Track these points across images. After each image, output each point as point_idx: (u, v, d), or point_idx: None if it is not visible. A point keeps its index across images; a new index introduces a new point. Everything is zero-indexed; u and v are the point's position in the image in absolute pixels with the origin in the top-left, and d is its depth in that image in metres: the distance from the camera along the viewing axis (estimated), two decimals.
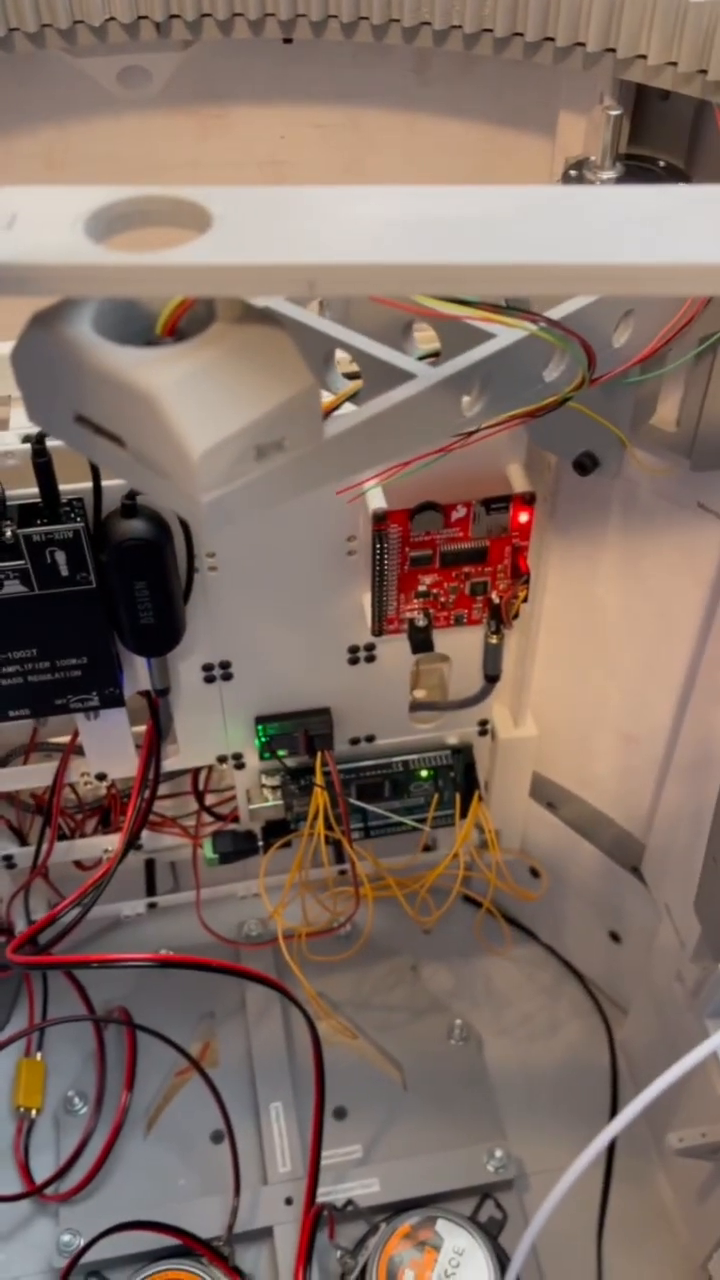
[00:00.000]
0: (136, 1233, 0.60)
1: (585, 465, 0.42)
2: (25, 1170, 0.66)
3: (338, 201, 0.24)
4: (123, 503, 0.46)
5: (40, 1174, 0.65)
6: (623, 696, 0.62)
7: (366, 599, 0.53)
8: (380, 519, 0.47)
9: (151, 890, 0.71)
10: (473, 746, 0.62)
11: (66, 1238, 0.62)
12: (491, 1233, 0.63)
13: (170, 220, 0.24)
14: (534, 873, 0.73)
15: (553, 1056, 0.74)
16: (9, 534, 0.45)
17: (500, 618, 0.51)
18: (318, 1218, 0.60)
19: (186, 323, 0.26)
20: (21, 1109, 0.68)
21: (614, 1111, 0.70)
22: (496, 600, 0.51)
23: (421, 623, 0.51)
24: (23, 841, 0.65)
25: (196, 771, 0.63)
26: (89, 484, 0.46)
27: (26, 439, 0.44)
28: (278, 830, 0.63)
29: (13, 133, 0.48)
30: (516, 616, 0.53)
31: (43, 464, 0.44)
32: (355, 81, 0.48)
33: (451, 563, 0.50)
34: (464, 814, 0.64)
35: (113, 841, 0.65)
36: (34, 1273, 0.63)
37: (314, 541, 0.51)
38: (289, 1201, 0.64)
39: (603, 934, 0.72)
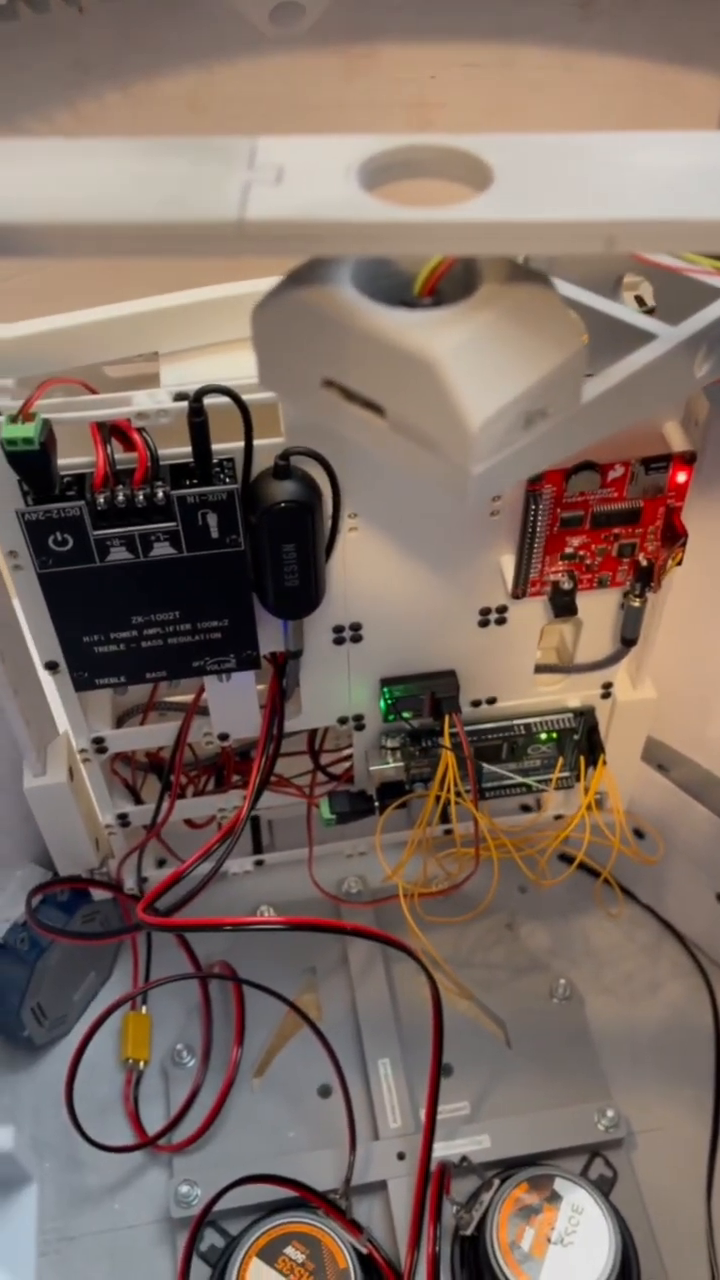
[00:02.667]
0: (251, 1185, 0.61)
1: None
2: (137, 1121, 0.67)
3: (621, 150, 0.23)
4: (276, 463, 0.45)
5: (151, 1125, 0.66)
6: None
7: (506, 560, 0.52)
8: (536, 479, 0.46)
9: (258, 848, 0.71)
10: (594, 709, 0.61)
11: (185, 1189, 0.63)
12: (604, 1190, 0.63)
13: (441, 172, 0.23)
14: (638, 833, 0.72)
15: (654, 1016, 0.73)
16: (160, 495, 0.44)
17: (648, 580, 0.50)
18: (440, 1173, 0.61)
19: (445, 283, 0.24)
20: (130, 1061, 0.69)
21: (718, 1072, 0.70)
22: (645, 563, 0.50)
23: (567, 585, 0.50)
24: (136, 800, 0.65)
25: (313, 732, 0.63)
26: (234, 444, 0.45)
27: (180, 396, 0.43)
28: (392, 791, 0.63)
29: (157, 75, 0.46)
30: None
31: (200, 424, 0.42)
32: (512, 17, 0.46)
33: (603, 524, 0.49)
34: (576, 780, 0.63)
35: (224, 800, 0.65)
36: (149, 1221, 0.64)
37: (458, 502, 0.49)
38: (401, 1156, 0.64)
39: (708, 895, 0.72)
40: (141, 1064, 0.69)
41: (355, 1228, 0.60)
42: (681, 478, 0.47)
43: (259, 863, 0.70)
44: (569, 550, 0.50)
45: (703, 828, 0.69)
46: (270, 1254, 0.58)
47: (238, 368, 0.44)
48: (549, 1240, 0.59)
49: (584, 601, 0.53)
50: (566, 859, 0.72)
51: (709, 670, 0.63)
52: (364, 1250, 0.59)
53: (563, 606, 0.51)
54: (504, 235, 0.21)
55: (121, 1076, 0.69)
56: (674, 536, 0.49)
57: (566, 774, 0.62)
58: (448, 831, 0.69)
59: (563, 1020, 0.71)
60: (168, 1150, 0.65)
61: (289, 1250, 0.59)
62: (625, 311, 0.28)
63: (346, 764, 0.65)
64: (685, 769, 0.69)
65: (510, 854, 0.63)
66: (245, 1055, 0.69)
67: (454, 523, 0.50)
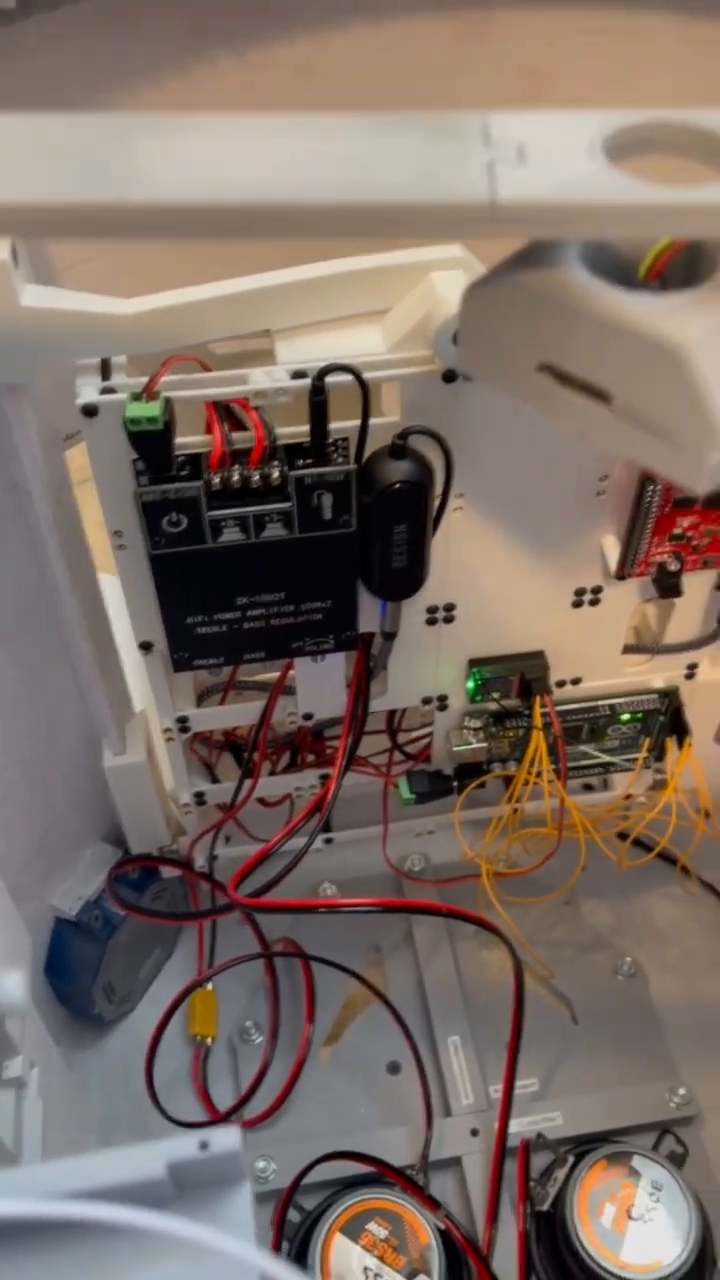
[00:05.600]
0: (326, 1163, 0.61)
1: None
2: (206, 1097, 0.67)
3: None
4: (393, 442, 0.44)
5: (221, 1102, 0.66)
6: None
7: (608, 540, 0.51)
8: None
9: (326, 826, 0.70)
10: (679, 690, 0.61)
11: (261, 1164, 0.63)
12: (679, 1165, 0.64)
13: (688, 149, 0.22)
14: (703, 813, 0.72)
15: (718, 992, 0.74)
16: (277, 475, 0.43)
17: None
18: (525, 1150, 0.61)
19: (670, 267, 0.24)
20: (198, 1037, 0.69)
21: None
22: None
23: (674, 567, 0.49)
24: (213, 779, 0.64)
25: (392, 711, 0.62)
26: (347, 423, 0.44)
27: (298, 374, 0.42)
28: (471, 771, 0.63)
29: (272, 40, 0.44)
30: None
31: (320, 403, 0.42)
32: None
33: (716, 504, 0.48)
34: (661, 756, 0.63)
35: (301, 779, 0.64)
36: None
37: (565, 481, 0.49)
38: (475, 1133, 0.64)
39: None
40: (209, 1040, 0.69)
41: (433, 1203, 0.61)
42: None
43: (329, 840, 0.70)
44: (678, 530, 0.49)
45: None
46: (353, 1230, 0.59)
47: (351, 345, 0.43)
48: (629, 1216, 0.59)
49: (690, 581, 0.52)
50: (622, 835, 0.72)
51: None
52: (442, 1226, 0.59)
53: (669, 588, 0.50)
54: None
55: (189, 1053, 0.69)
56: None
57: (649, 755, 0.62)
58: (514, 811, 0.68)
59: (628, 997, 0.72)
60: (240, 1126, 0.66)
61: (371, 1226, 0.59)
62: None
63: (422, 742, 0.64)
64: None
65: (592, 835, 0.63)
66: (314, 1031, 0.69)
67: (559, 501, 0.50)
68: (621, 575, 0.51)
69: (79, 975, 0.65)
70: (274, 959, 0.70)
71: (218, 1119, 0.65)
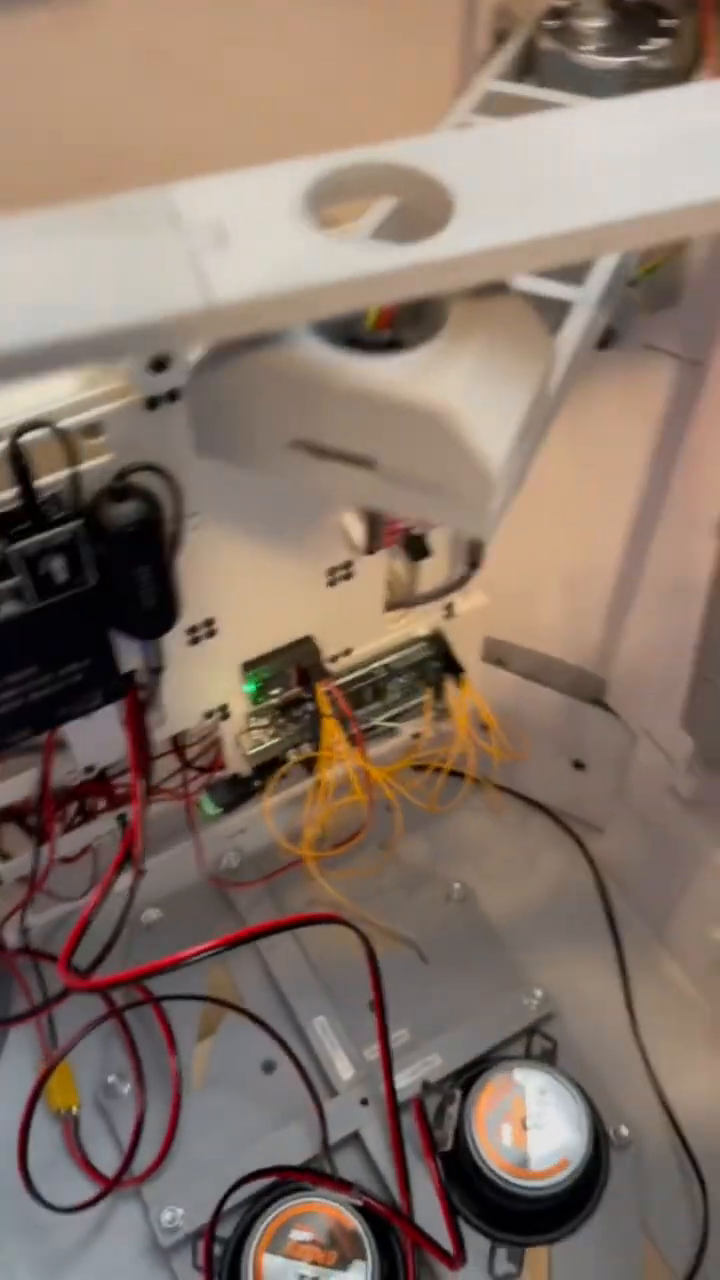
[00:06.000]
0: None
1: (605, 340, 0.41)
2: (90, 1168, 0.64)
3: (571, 130, 0.21)
4: (112, 486, 0.40)
5: (106, 1166, 0.64)
6: (569, 544, 0.63)
7: (350, 518, 0.50)
8: None
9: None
10: (444, 631, 0.62)
11: (167, 1215, 0.61)
12: (553, 1061, 0.67)
13: (394, 190, 0.20)
14: (484, 726, 0.74)
15: (544, 885, 0.78)
16: None
17: None
18: (419, 1104, 0.62)
19: (401, 315, 0.22)
20: (61, 1111, 0.65)
21: (610, 920, 0.75)
22: None
23: (417, 532, 0.49)
24: (1, 855, 0.59)
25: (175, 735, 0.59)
26: (53, 475, 0.40)
27: None
28: (269, 766, 0.61)
29: None
30: None
31: (22, 467, 0.37)
32: None
33: None
34: (440, 696, 0.64)
35: (98, 827, 0.61)
36: (138, 1257, 0.62)
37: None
38: (364, 1103, 0.65)
39: (565, 764, 0.76)
40: (74, 1109, 0.65)
41: (344, 1185, 0.61)
42: None
43: (141, 873, 0.67)
44: None
45: (550, 704, 0.72)
46: (278, 1245, 0.58)
47: (41, 390, 0.39)
48: (525, 1127, 0.62)
49: (434, 539, 0.53)
50: (419, 768, 0.73)
51: (533, 562, 0.65)
52: (359, 1203, 0.60)
53: (418, 551, 0.50)
54: (491, 261, 0.19)
55: (58, 1129, 0.65)
56: None
57: (415, 702, 0.63)
58: (319, 787, 0.68)
59: (465, 920, 0.74)
60: (133, 1184, 0.63)
61: (294, 1234, 0.59)
62: (541, 284, 0.26)
63: (210, 752, 0.62)
64: (524, 658, 0.71)
65: (398, 790, 0.63)
66: (179, 1062, 0.67)
67: (294, 497, 0.48)
68: (370, 551, 0.50)
69: None
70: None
71: (108, 1186, 0.62)
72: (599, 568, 0.63)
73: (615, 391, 0.54)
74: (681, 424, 0.53)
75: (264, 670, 0.55)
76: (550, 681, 0.71)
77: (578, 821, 0.79)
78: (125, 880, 0.61)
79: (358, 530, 0.49)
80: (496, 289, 0.22)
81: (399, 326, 0.22)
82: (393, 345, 0.21)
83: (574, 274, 0.28)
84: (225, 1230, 0.61)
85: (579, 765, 0.75)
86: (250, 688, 0.55)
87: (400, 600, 0.58)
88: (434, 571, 0.58)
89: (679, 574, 0.57)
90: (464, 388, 0.20)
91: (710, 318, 0.48)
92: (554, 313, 0.26)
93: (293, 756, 0.60)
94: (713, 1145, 0.65)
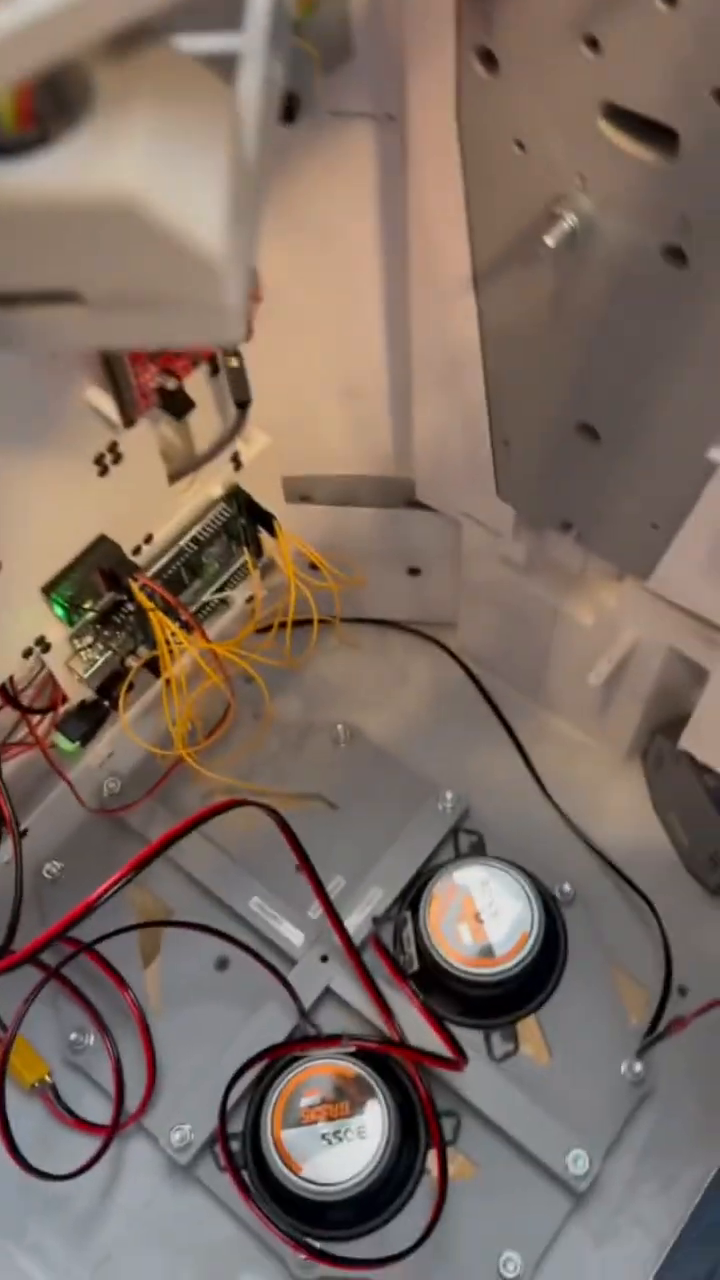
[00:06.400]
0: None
1: (290, 111, 0.37)
2: (85, 1125, 0.63)
3: None
4: None
5: (100, 1115, 0.62)
6: (331, 355, 0.60)
7: (94, 394, 0.46)
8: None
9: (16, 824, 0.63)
10: (238, 485, 0.59)
11: (177, 1136, 0.61)
12: (484, 851, 0.69)
13: None
14: (313, 566, 0.72)
15: (420, 696, 0.78)
16: None
17: None
18: (376, 942, 0.63)
19: (41, 101, 0.18)
20: (36, 1085, 0.63)
21: (491, 703, 0.76)
22: None
23: (172, 385, 0.45)
24: None
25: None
26: None
27: None
28: (112, 681, 0.58)
29: None
30: None
31: None
32: None
33: None
34: (260, 552, 0.62)
35: None
36: (160, 1185, 0.62)
37: (16, 363, 0.42)
38: (324, 959, 0.65)
39: (401, 575, 0.75)
40: (47, 1077, 0.63)
41: (333, 1039, 0.62)
42: None
43: (22, 834, 0.63)
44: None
45: (368, 522, 0.70)
46: (291, 1118, 0.59)
47: None
48: (480, 920, 0.63)
49: (190, 389, 0.49)
50: (264, 630, 0.71)
51: (301, 386, 0.62)
52: (353, 1049, 0.61)
53: (179, 406, 0.46)
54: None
55: (38, 1104, 0.63)
56: None
57: (253, 558, 0.60)
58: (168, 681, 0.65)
59: (359, 756, 0.74)
60: (132, 1122, 0.62)
61: (303, 1103, 0.59)
62: (198, 42, 0.22)
63: (46, 690, 0.58)
64: (326, 486, 0.69)
65: (252, 658, 0.61)
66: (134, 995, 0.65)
67: (27, 386, 0.43)
68: (129, 422, 0.46)
69: None
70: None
71: (110, 1133, 0.61)
72: (368, 369, 0.60)
73: (320, 173, 0.50)
74: (397, 190, 0.50)
75: (67, 587, 0.51)
76: (360, 500, 0.69)
77: (431, 625, 0.79)
78: (9, 848, 0.58)
79: (106, 402, 0.45)
80: (137, 40, 0.19)
81: (47, 120, 0.18)
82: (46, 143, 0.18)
83: (231, 22, 0.24)
84: (236, 1126, 0.61)
85: (414, 571, 0.74)
86: (60, 610, 0.51)
87: (182, 467, 0.54)
88: (206, 427, 0.55)
89: (447, 346, 0.55)
90: (141, 164, 0.17)
91: (388, 62, 0.44)
92: (223, 71, 0.23)
93: (132, 664, 0.57)
94: (647, 865, 0.69)
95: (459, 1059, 0.58)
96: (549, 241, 0.40)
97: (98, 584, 0.52)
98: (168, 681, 0.58)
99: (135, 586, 0.51)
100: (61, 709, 0.58)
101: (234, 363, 0.48)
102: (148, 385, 0.46)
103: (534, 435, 0.54)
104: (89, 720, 0.57)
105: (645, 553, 0.54)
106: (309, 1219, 0.58)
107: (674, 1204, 0.59)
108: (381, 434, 0.65)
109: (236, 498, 0.58)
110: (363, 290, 0.55)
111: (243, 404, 0.51)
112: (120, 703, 0.57)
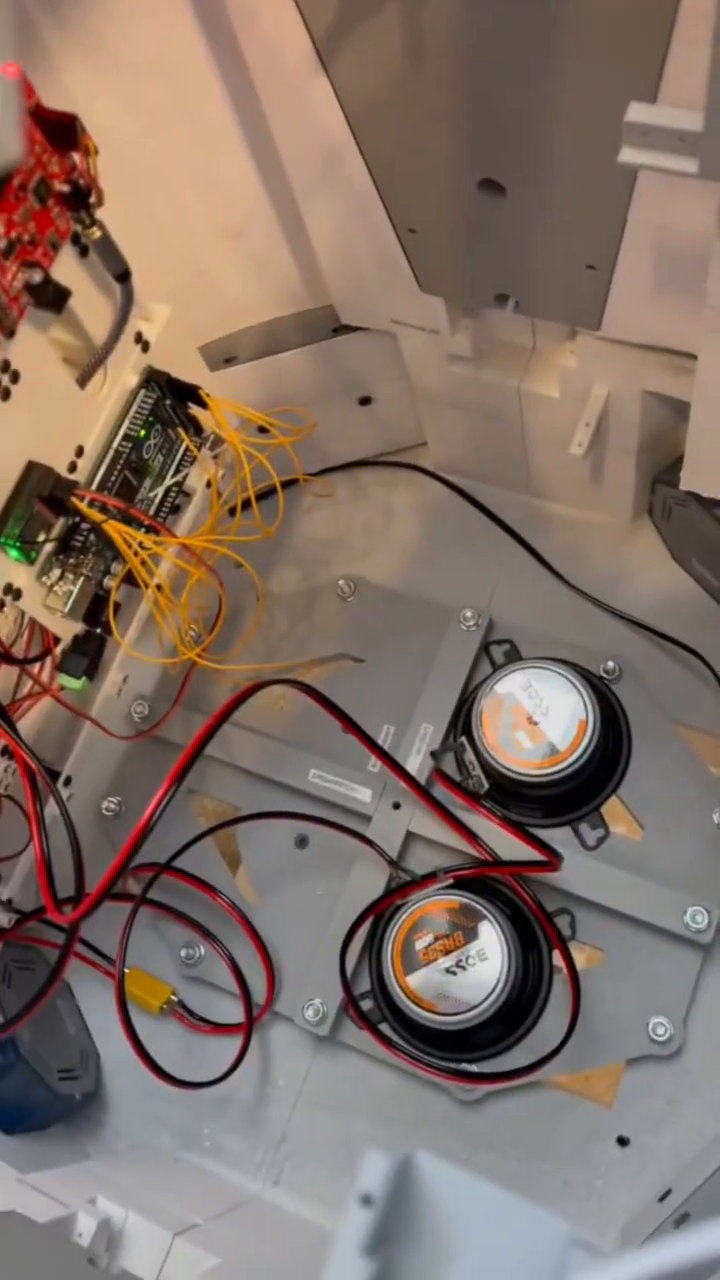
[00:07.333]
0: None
1: None
2: (221, 1028, 0.64)
3: None
4: None
5: (233, 1015, 0.63)
6: (200, 199, 0.55)
7: None
8: None
9: (54, 775, 0.63)
10: (150, 365, 0.55)
11: (310, 1012, 0.62)
12: (520, 656, 0.67)
13: None
14: (262, 429, 0.69)
15: (410, 527, 0.75)
16: None
17: (87, 201, 0.42)
18: (437, 772, 0.62)
19: None
20: (164, 1006, 0.64)
21: (483, 509, 0.73)
22: (68, 188, 0.41)
23: (38, 277, 0.41)
24: None
25: None
26: None
27: None
28: (98, 607, 0.56)
29: None
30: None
31: None
32: None
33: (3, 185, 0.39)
34: (199, 430, 0.58)
35: None
36: (311, 1060, 0.63)
37: None
38: (397, 806, 0.65)
39: (354, 407, 0.71)
40: (173, 997, 0.64)
41: (429, 878, 0.61)
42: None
43: (68, 780, 0.63)
44: (5, 244, 0.40)
45: (300, 364, 0.66)
46: (411, 964, 0.59)
47: None
48: (534, 722, 0.62)
49: (60, 277, 0.44)
50: (234, 510, 0.68)
51: (185, 246, 0.57)
52: (450, 881, 0.61)
53: (54, 297, 0.42)
54: None
55: (173, 1021, 0.64)
56: (68, 139, 0.40)
57: (194, 438, 0.56)
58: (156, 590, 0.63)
59: (368, 603, 0.72)
60: (265, 1013, 0.63)
61: (418, 945, 0.59)
62: None
63: (35, 636, 0.56)
64: (246, 341, 0.65)
65: (229, 540, 0.58)
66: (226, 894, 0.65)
67: None
68: (9, 333, 0.42)
69: (30, 1098, 0.58)
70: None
71: (248, 1026, 0.62)
72: (245, 201, 0.56)
73: (131, 8, 0.44)
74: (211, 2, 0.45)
75: (12, 526, 0.48)
76: (286, 343, 0.65)
77: (400, 451, 0.76)
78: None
79: None
80: None
81: None
82: None
83: None
84: (363, 986, 0.62)
85: (365, 401, 0.70)
86: (14, 552, 0.49)
87: (87, 365, 0.51)
88: (97, 316, 0.51)
89: (316, 140, 0.50)
90: None
91: None
92: None
93: (110, 584, 0.55)
94: (682, 616, 0.67)
95: (553, 859, 0.58)
96: None
97: (44, 514, 0.49)
98: (157, 588, 0.56)
99: (81, 504, 0.49)
100: (56, 650, 0.56)
101: (96, 234, 0.44)
102: (12, 285, 0.42)
103: (437, 210, 0.50)
104: (87, 653, 0.55)
105: (589, 298, 0.51)
106: (459, 1048, 0.59)
107: None
108: (283, 267, 0.60)
109: (156, 380, 0.54)
110: (210, 116, 0.51)
111: (122, 276, 0.47)
112: (112, 627, 0.55)
